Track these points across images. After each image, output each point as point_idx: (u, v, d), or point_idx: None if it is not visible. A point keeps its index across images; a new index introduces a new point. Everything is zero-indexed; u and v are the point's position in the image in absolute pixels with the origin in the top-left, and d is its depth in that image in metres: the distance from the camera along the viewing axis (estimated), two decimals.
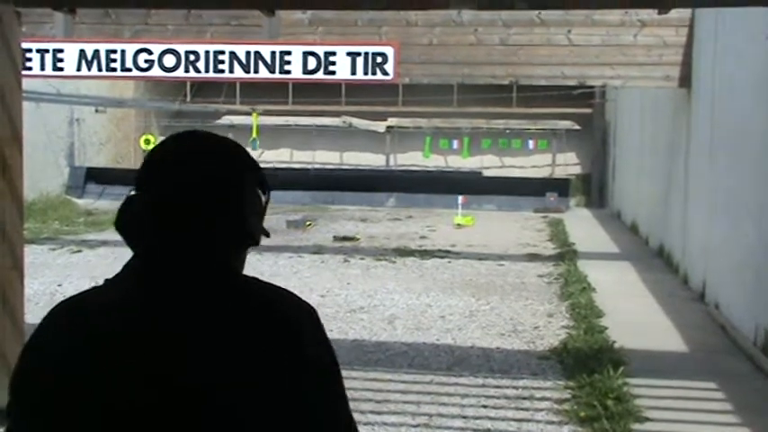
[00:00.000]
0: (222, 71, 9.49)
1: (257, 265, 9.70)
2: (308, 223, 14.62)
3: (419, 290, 8.80)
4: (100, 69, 9.61)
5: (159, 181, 1.15)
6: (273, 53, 9.36)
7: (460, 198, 16.05)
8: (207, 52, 9.44)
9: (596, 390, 5.09)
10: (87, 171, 19.67)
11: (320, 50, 9.31)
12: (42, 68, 9.61)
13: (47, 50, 9.53)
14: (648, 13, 8.76)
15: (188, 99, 22.09)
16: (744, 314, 6.72)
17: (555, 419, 4.80)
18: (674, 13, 8.43)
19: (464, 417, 4.82)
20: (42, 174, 17.44)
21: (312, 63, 9.33)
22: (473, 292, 8.73)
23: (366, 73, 9.27)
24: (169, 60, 9.48)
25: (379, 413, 4.80)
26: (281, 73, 9.44)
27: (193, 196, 1.13)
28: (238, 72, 9.49)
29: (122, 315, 1.09)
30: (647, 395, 5.13)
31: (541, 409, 4.96)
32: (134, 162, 22.06)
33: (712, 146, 8.51)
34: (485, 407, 5.00)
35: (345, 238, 12.97)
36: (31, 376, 1.12)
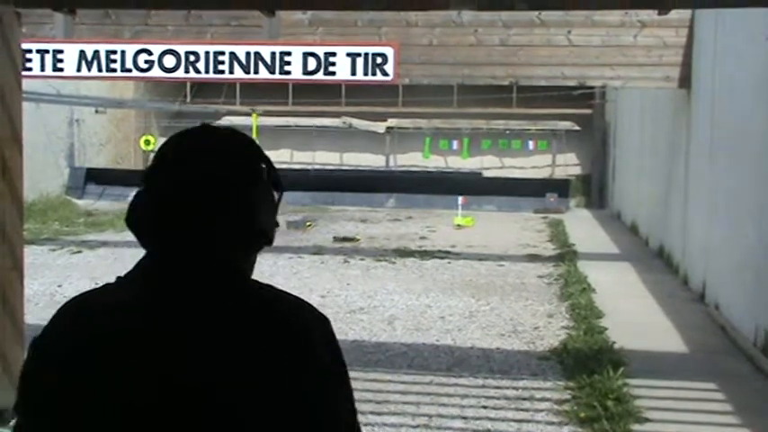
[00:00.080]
0: (222, 72, 9.49)
1: (257, 266, 9.68)
2: (307, 224, 14.62)
3: (419, 290, 8.80)
4: (100, 70, 9.61)
5: (161, 178, 1.15)
6: (273, 54, 9.36)
7: (460, 199, 16.05)
8: (207, 53, 9.44)
9: (596, 390, 5.09)
10: (87, 172, 19.68)
11: (320, 51, 9.31)
12: (42, 69, 9.61)
13: (47, 51, 9.53)
14: (648, 14, 8.76)
15: (188, 100, 22.10)
16: (744, 315, 6.72)
17: (555, 420, 4.80)
18: (674, 14, 8.43)
19: (464, 417, 4.81)
20: (42, 174, 17.44)
21: (312, 64, 9.33)
22: (473, 292, 8.73)
23: (366, 73, 9.27)
24: (169, 61, 9.48)
25: (378, 414, 4.80)
26: (281, 73, 9.44)
27: (192, 194, 1.13)
28: (238, 73, 9.49)
29: (126, 315, 1.09)
30: (647, 396, 5.13)
31: (541, 410, 4.96)
32: (134, 163, 22.07)
33: (712, 146, 8.51)
34: (485, 407, 5.00)
35: (345, 239, 12.97)
36: (35, 376, 1.12)
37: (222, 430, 1.04)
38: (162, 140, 1.30)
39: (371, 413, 4.78)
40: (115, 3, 6.83)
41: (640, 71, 9.41)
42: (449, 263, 10.81)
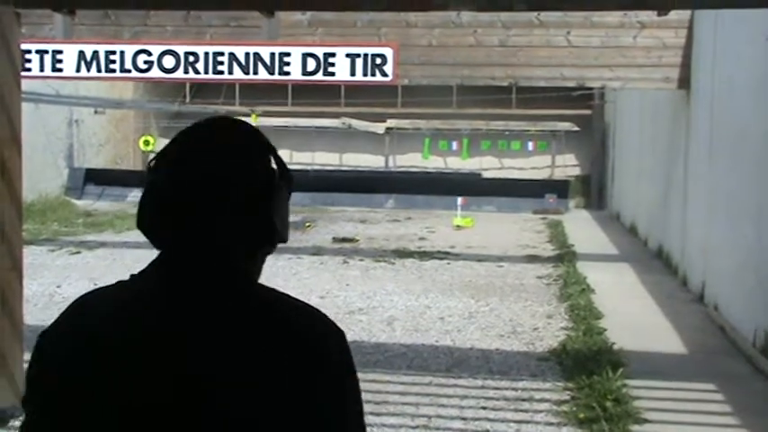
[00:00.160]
0: (221, 72, 9.49)
1: None
2: (307, 224, 14.62)
3: (418, 291, 8.80)
4: (99, 70, 9.60)
5: (161, 178, 1.14)
6: (273, 54, 9.35)
7: (460, 199, 16.06)
8: (206, 53, 9.44)
9: (595, 391, 5.09)
10: (86, 172, 19.67)
11: (319, 52, 9.31)
12: (41, 69, 9.60)
13: (46, 51, 9.52)
14: (648, 15, 8.76)
15: (187, 100, 22.10)
16: (743, 315, 6.72)
17: (554, 421, 4.80)
18: (674, 15, 8.43)
19: (463, 418, 4.81)
20: (41, 175, 17.44)
21: (311, 64, 9.33)
22: (472, 293, 8.73)
23: (365, 74, 9.27)
24: (168, 61, 9.48)
25: (378, 415, 4.80)
26: (280, 74, 9.44)
27: (191, 194, 1.12)
28: (238, 73, 9.49)
29: (126, 315, 1.09)
30: (646, 397, 5.13)
31: (540, 411, 4.96)
32: (133, 163, 22.07)
33: (712, 147, 8.52)
34: (484, 408, 5.00)
35: (344, 240, 12.97)
36: (36, 376, 1.13)
37: (222, 430, 1.04)
38: (161, 141, 1.25)
39: (370, 414, 4.78)
40: (114, 3, 6.83)
41: (640, 72, 9.41)
42: (448, 264, 10.81)
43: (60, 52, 9.55)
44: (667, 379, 5.60)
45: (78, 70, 9.64)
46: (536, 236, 14.18)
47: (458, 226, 15.03)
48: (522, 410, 4.98)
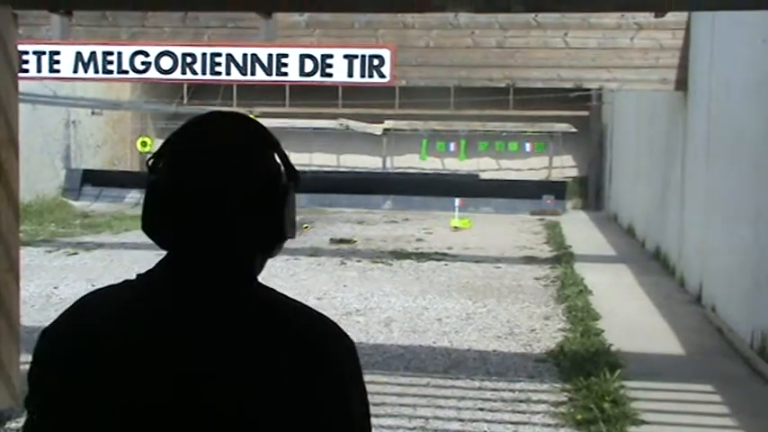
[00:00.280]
0: (219, 73, 9.48)
1: None
2: (304, 226, 14.62)
3: (416, 292, 8.80)
4: (96, 71, 9.59)
5: (160, 179, 1.13)
6: (270, 55, 9.35)
7: (457, 201, 16.06)
8: (204, 54, 9.43)
9: (593, 393, 5.10)
10: (84, 173, 19.64)
11: (317, 53, 9.30)
12: (39, 70, 9.59)
13: (43, 52, 9.51)
14: (645, 16, 8.77)
15: (185, 101, 22.08)
16: (740, 317, 6.73)
17: (551, 422, 4.80)
18: (671, 16, 8.45)
19: (461, 420, 4.81)
20: (38, 176, 17.41)
21: (309, 65, 9.32)
22: (470, 294, 8.73)
23: (363, 75, 9.27)
24: (166, 62, 9.47)
25: (375, 416, 4.77)
26: (277, 75, 9.43)
27: (189, 195, 1.11)
28: (235, 74, 9.48)
29: (127, 315, 1.09)
30: (643, 398, 5.13)
31: (538, 412, 4.96)
32: (130, 164, 22.05)
33: (709, 149, 8.53)
34: (481, 410, 5.00)
35: (342, 241, 12.97)
36: (37, 377, 1.13)
37: (223, 430, 1.04)
38: (158, 142, 1.20)
39: None
40: (112, 4, 6.82)
41: (637, 73, 9.42)
42: (445, 265, 10.81)
43: (57, 53, 9.54)
44: (665, 380, 5.60)
45: (75, 71, 9.63)
46: (533, 237, 14.18)
47: (455, 227, 15.03)
48: (519, 412, 4.98)
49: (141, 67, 9.50)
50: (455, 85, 13.93)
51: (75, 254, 11.26)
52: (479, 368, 5.92)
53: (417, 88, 16.98)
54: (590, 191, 20.94)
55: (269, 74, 9.41)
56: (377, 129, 22.29)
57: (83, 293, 1.19)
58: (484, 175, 21.40)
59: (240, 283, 1.12)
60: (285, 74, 9.43)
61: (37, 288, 8.45)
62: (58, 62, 9.57)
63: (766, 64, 6.38)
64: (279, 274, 9.72)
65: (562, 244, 12.86)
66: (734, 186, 7.30)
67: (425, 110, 21.44)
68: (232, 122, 1.17)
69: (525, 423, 4.79)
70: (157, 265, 1.14)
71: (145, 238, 1.18)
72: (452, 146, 22.03)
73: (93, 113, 20.59)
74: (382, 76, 9.28)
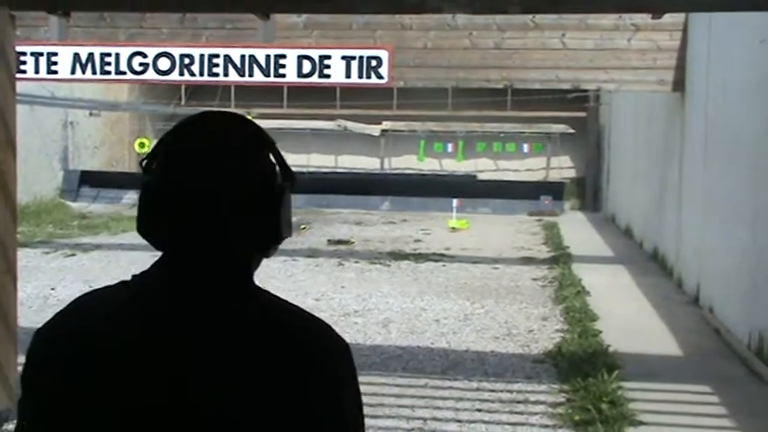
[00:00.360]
0: (217, 74, 9.48)
1: None
2: (302, 227, 14.61)
3: (414, 293, 8.80)
4: (94, 72, 9.59)
5: (154, 179, 1.12)
6: (268, 56, 9.35)
7: (455, 201, 16.05)
8: (202, 55, 9.43)
9: (591, 393, 5.10)
10: (81, 174, 19.62)
11: (315, 54, 9.31)
12: (37, 72, 9.58)
13: (41, 54, 9.51)
14: (642, 18, 8.78)
15: (183, 102, 22.08)
16: (738, 318, 6.74)
17: (549, 423, 4.80)
18: (668, 18, 8.46)
19: (458, 421, 4.81)
20: (36, 177, 17.39)
21: (307, 66, 9.33)
22: (468, 295, 8.74)
23: (361, 76, 9.28)
24: (164, 63, 9.47)
25: (373, 417, 4.80)
26: (275, 76, 9.44)
27: (185, 195, 1.10)
28: (233, 75, 9.48)
29: (122, 316, 1.09)
30: (641, 399, 5.14)
31: (536, 413, 4.97)
32: (128, 165, 22.03)
33: (706, 150, 8.54)
34: (479, 411, 5.00)
35: (340, 242, 12.96)
36: (31, 378, 1.12)
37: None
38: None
39: (366, 416, 4.77)
40: (110, 6, 6.82)
41: (634, 74, 9.43)
42: (443, 266, 10.81)
43: (55, 54, 9.53)
44: (662, 381, 5.61)
45: (73, 72, 9.62)
46: (531, 238, 14.19)
47: (453, 228, 15.03)
48: (517, 413, 4.98)
49: (139, 68, 9.50)
50: (453, 86, 13.92)
51: (72, 255, 11.25)
52: (477, 369, 5.92)
53: (415, 89, 16.99)
54: (588, 192, 20.96)
55: (267, 75, 9.41)
56: (375, 130, 22.30)
57: (83, 293, 1.19)
58: (482, 176, 21.41)
59: (236, 284, 1.12)
60: (283, 75, 9.43)
61: (34, 289, 8.44)
62: (55, 63, 9.57)
63: (763, 65, 6.39)
64: (276, 275, 9.71)
65: (560, 245, 12.86)
66: (731, 187, 7.30)
67: (423, 111, 21.45)
68: (227, 122, 1.16)
69: (523, 424, 4.80)
70: (153, 266, 1.13)
71: (142, 240, 1.18)
72: (450, 147, 22.04)
73: (90, 114, 20.57)
74: (380, 77, 9.28)
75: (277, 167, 1.16)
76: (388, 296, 8.63)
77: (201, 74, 9.49)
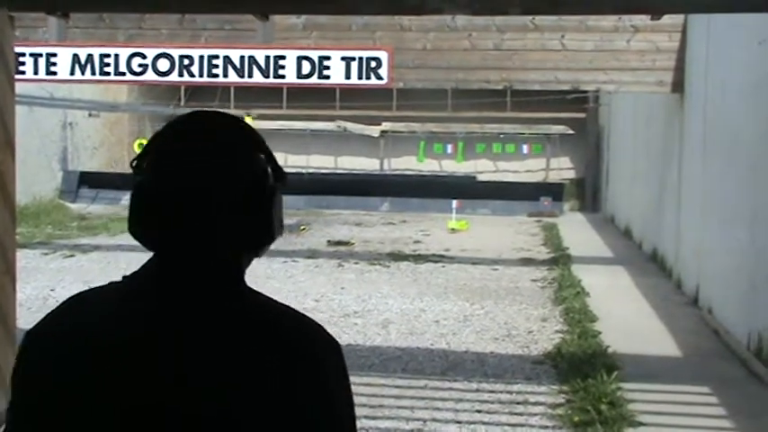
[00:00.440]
0: (216, 75, 9.48)
1: (251, 270, 9.66)
2: (302, 228, 14.61)
3: (413, 294, 8.80)
4: (93, 73, 9.58)
5: (146, 179, 1.12)
6: (268, 57, 9.35)
7: (455, 202, 16.05)
8: (201, 56, 9.43)
9: (590, 394, 5.10)
10: (80, 175, 19.61)
11: (314, 55, 9.31)
12: (36, 72, 9.58)
13: (40, 54, 9.50)
14: (641, 19, 8.78)
15: (182, 103, 22.07)
16: (737, 318, 6.74)
17: (549, 424, 4.80)
18: (667, 19, 8.46)
19: (458, 422, 4.81)
20: (35, 178, 17.39)
21: (306, 67, 9.33)
22: (467, 296, 8.73)
23: (360, 77, 9.27)
24: (163, 64, 9.46)
25: (373, 418, 4.80)
26: (275, 77, 9.43)
27: (175, 196, 1.10)
28: (232, 76, 9.48)
29: (114, 316, 1.08)
30: (640, 400, 5.14)
31: (535, 414, 4.97)
32: (127, 166, 21.89)
33: (705, 151, 8.54)
34: (479, 411, 5.00)
35: (340, 243, 12.96)
36: (22, 379, 1.12)
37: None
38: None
39: (365, 417, 4.77)
40: (109, 7, 6.82)
41: (633, 75, 9.43)
42: (443, 267, 10.81)
43: (54, 55, 9.53)
44: (662, 382, 5.61)
45: (72, 73, 9.62)
46: (531, 239, 14.19)
47: (453, 229, 15.04)
48: (516, 414, 4.98)
49: (138, 69, 9.50)
50: (452, 87, 13.94)
51: (71, 256, 11.25)
52: (477, 370, 5.92)
53: (415, 90, 16.99)
54: (587, 193, 20.96)
55: (266, 76, 9.41)
56: (374, 131, 22.30)
57: (75, 293, 1.18)
58: (481, 177, 21.41)
59: (227, 284, 1.12)
60: (282, 76, 9.43)
61: (34, 290, 8.44)
62: (54, 64, 9.56)
63: (762, 66, 6.40)
64: (276, 276, 9.71)
65: (559, 246, 12.87)
66: (730, 188, 7.31)
67: (423, 112, 21.45)
68: (217, 122, 1.16)
69: (523, 425, 4.79)
70: (144, 266, 1.13)
71: None
72: (450, 148, 22.04)
73: (90, 115, 20.57)
74: (379, 78, 9.28)
75: (268, 167, 1.15)
76: (387, 297, 8.62)
77: (201, 75, 9.49)
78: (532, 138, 21.76)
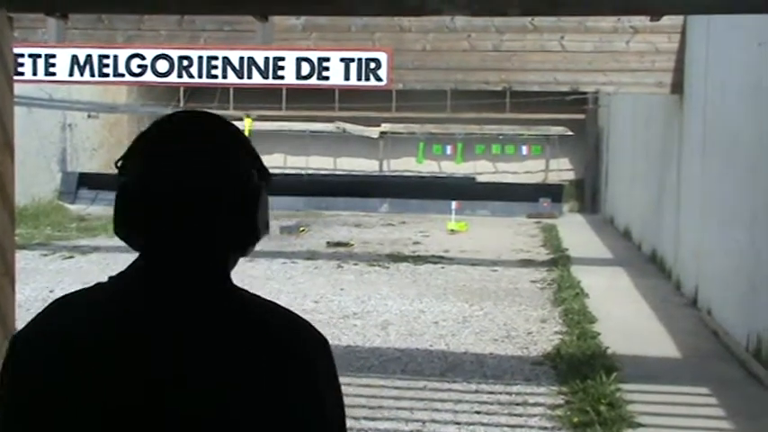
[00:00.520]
0: (215, 76, 9.48)
1: (250, 271, 9.68)
2: (301, 229, 14.61)
3: (412, 295, 8.80)
4: (92, 74, 9.58)
5: (131, 180, 1.12)
6: (267, 59, 9.35)
7: (454, 204, 16.05)
8: (200, 57, 9.43)
9: (589, 395, 5.10)
10: (80, 176, 19.60)
11: (314, 56, 9.31)
12: (35, 74, 9.58)
13: (39, 55, 9.50)
14: (641, 20, 8.79)
15: (181, 104, 22.07)
16: (736, 320, 6.74)
17: (548, 425, 4.80)
18: (667, 20, 8.47)
19: (457, 423, 4.81)
20: (34, 179, 17.38)
21: (306, 69, 9.33)
22: (466, 297, 8.73)
23: (359, 79, 9.27)
24: (162, 66, 9.46)
25: (372, 419, 4.80)
26: (274, 78, 9.43)
27: (158, 198, 1.10)
28: (232, 77, 9.48)
29: (101, 317, 1.08)
30: (639, 401, 5.13)
31: (534, 415, 4.96)
32: None
33: (704, 152, 8.54)
34: (478, 413, 4.99)
35: (339, 244, 12.96)
36: (10, 380, 1.11)
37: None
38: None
39: (365, 418, 4.77)
40: (108, 8, 6.82)
41: (633, 77, 9.44)
42: (442, 268, 10.81)
43: (53, 56, 9.53)
44: (661, 383, 5.60)
45: (71, 74, 9.62)
46: (530, 240, 14.19)
47: (452, 230, 15.03)
48: (516, 415, 4.98)
49: (137, 71, 9.50)
50: (452, 88, 13.95)
51: (71, 257, 11.24)
52: (476, 371, 5.92)
53: (414, 91, 17.00)
54: (586, 194, 20.96)
55: (265, 77, 9.41)
56: (373, 132, 22.30)
57: (57, 297, 1.18)
58: (480, 178, 21.41)
59: (213, 284, 1.12)
60: (282, 77, 9.43)
61: (33, 292, 8.43)
62: (53, 65, 9.56)
63: (761, 67, 6.40)
64: (275, 277, 9.71)
65: (559, 247, 12.87)
66: (729, 190, 7.31)
67: (422, 113, 21.45)
68: (201, 122, 1.16)
69: (522, 426, 4.79)
70: (129, 266, 1.13)
71: None
72: (449, 149, 22.04)
73: (89, 116, 20.56)
74: (379, 79, 9.28)
75: (254, 167, 1.15)
76: (386, 298, 8.62)
77: (200, 76, 9.49)
78: (532, 139, 21.76)
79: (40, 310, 1.15)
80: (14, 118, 4.73)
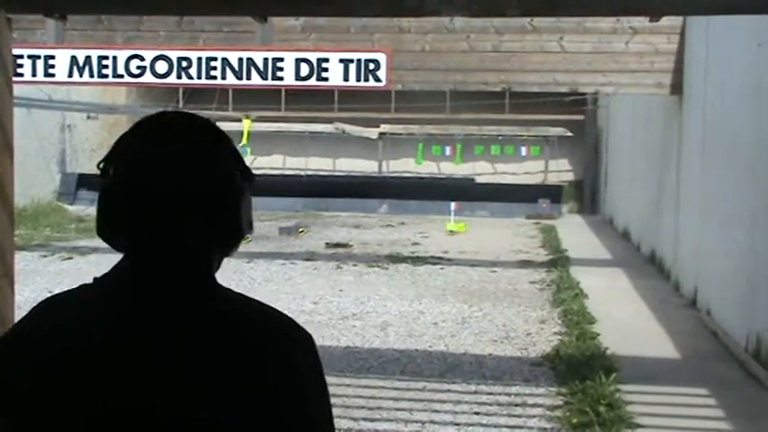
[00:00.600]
0: (215, 77, 9.48)
1: (249, 272, 9.68)
2: (300, 230, 14.61)
3: (412, 296, 8.80)
4: (91, 75, 9.58)
5: (115, 181, 1.12)
6: (266, 59, 9.35)
7: (453, 204, 16.06)
8: (199, 58, 9.43)
9: (588, 396, 5.10)
10: (79, 177, 19.60)
11: (313, 57, 9.31)
12: (34, 75, 9.58)
13: (38, 56, 9.50)
14: (640, 21, 8.79)
15: (180, 105, 22.06)
16: (735, 320, 6.74)
17: (547, 426, 4.80)
18: (666, 21, 8.47)
19: (456, 424, 4.81)
20: (34, 180, 17.38)
21: (305, 69, 9.33)
22: (465, 298, 8.73)
23: (359, 79, 9.27)
24: (161, 66, 9.46)
25: (371, 420, 4.79)
26: (273, 79, 9.43)
27: (142, 199, 1.10)
28: (231, 78, 9.48)
29: (89, 318, 1.08)
30: (638, 401, 5.13)
31: (534, 416, 4.96)
32: None
33: (704, 153, 8.55)
34: (477, 413, 4.99)
35: (338, 245, 12.96)
36: (1, 382, 1.11)
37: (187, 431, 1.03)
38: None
39: (364, 419, 4.77)
40: (107, 9, 6.82)
41: (632, 77, 9.44)
42: (441, 269, 10.81)
43: (52, 57, 9.53)
44: (660, 384, 5.60)
45: (71, 75, 9.61)
46: (529, 241, 14.19)
47: (451, 231, 15.03)
48: (515, 415, 4.98)
49: (136, 72, 9.50)
50: (451, 89, 13.95)
51: (70, 258, 11.24)
52: (475, 372, 5.92)
53: (413, 92, 16.99)
54: (585, 195, 20.97)
55: (264, 78, 9.41)
56: (373, 133, 22.30)
57: (44, 298, 1.17)
58: (480, 179, 21.42)
59: (197, 283, 1.12)
60: (281, 78, 9.43)
61: (32, 293, 8.43)
62: (52, 66, 9.56)
63: (761, 68, 6.40)
64: (274, 278, 9.70)
65: (558, 248, 12.87)
66: (729, 190, 7.31)
67: (421, 114, 21.45)
68: (184, 123, 1.17)
69: (521, 427, 4.79)
70: (114, 268, 1.14)
71: None
72: (448, 150, 22.04)
73: (88, 117, 20.56)
74: (378, 80, 9.28)
75: (237, 167, 1.16)
76: (386, 299, 8.62)
77: (199, 77, 9.48)
78: (531, 140, 21.76)
79: (27, 311, 1.15)
80: (14, 119, 4.73)
